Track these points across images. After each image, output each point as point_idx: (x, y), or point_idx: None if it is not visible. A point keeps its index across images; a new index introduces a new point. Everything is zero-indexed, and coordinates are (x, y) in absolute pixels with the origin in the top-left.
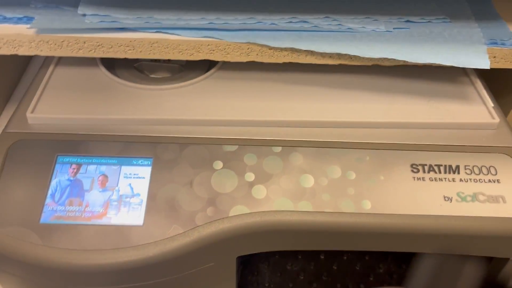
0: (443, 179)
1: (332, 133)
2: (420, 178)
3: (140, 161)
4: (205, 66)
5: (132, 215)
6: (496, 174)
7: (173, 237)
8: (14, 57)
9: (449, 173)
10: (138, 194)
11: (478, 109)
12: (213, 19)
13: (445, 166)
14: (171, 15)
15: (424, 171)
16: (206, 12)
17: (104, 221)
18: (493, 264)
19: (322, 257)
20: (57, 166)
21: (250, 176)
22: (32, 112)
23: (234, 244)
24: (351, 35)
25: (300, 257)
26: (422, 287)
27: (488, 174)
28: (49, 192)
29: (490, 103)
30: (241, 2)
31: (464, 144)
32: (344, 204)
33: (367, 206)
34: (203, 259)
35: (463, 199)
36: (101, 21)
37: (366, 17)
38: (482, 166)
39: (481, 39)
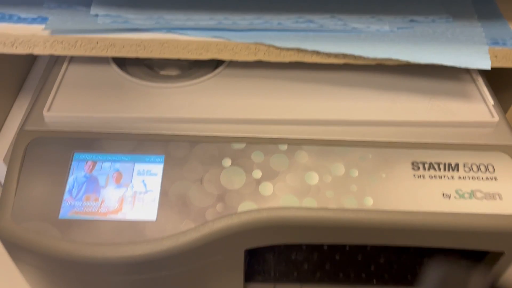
0: (443, 177)
1: (336, 131)
2: (420, 176)
3: (152, 159)
4: (213, 62)
5: (145, 210)
6: (493, 172)
7: (185, 231)
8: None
9: (449, 170)
10: (151, 190)
11: (478, 108)
12: (221, 19)
13: (445, 164)
14: (180, 15)
15: (424, 169)
16: (214, 12)
17: (119, 216)
18: (488, 258)
19: (325, 248)
20: (74, 163)
21: (257, 173)
22: (48, 110)
23: (242, 238)
24: (356, 35)
25: (304, 247)
26: None
27: (486, 172)
28: (67, 188)
29: (491, 101)
30: (248, 2)
31: (464, 142)
32: (347, 201)
33: (369, 202)
34: (213, 252)
35: (461, 196)
36: (113, 22)
37: (371, 17)
38: (481, 164)
39: (483, 39)
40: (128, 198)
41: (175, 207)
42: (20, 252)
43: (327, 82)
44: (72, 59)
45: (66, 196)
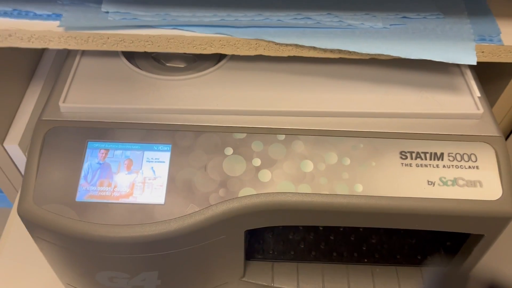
0: (428, 165)
1: (330, 122)
2: (407, 164)
3: (160, 147)
4: (217, 55)
5: (154, 194)
6: (476, 161)
7: (190, 214)
8: None
9: (434, 159)
10: (160, 177)
11: (465, 100)
12: (224, 15)
13: (431, 153)
14: (185, 12)
15: (411, 158)
16: (217, 9)
17: (130, 200)
18: (469, 240)
19: (320, 229)
20: (88, 151)
21: (257, 161)
22: (63, 101)
23: (242, 220)
24: (351, 31)
25: (301, 228)
26: None
27: (468, 161)
28: (82, 174)
29: (477, 94)
30: None
31: (450, 133)
32: (339, 187)
33: (359, 189)
34: (216, 232)
35: (445, 183)
36: (123, 18)
37: (365, 14)
38: (464, 153)
39: (471, 35)
40: (138, 183)
41: (181, 192)
42: (40, 231)
43: (323, 75)
44: (84, 52)
45: (82, 181)
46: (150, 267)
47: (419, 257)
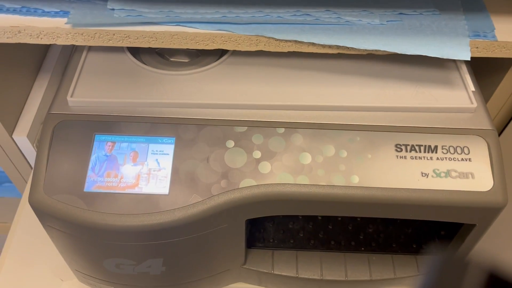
0: (422, 158)
1: (328, 116)
2: (402, 157)
3: (164, 140)
4: (219, 50)
5: (159, 185)
6: (468, 153)
7: (193, 204)
8: None
9: (428, 152)
10: (164, 168)
11: (459, 94)
12: (225, 12)
13: (425, 146)
14: (188, 9)
15: (406, 151)
16: (219, 6)
17: (136, 190)
18: (462, 230)
19: (319, 218)
20: (95, 144)
21: (257, 154)
22: (71, 96)
23: (243, 210)
24: (349, 27)
25: (300, 218)
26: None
27: (461, 153)
28: (90, 165)
29: (471, 88)
30: None
31: (444, 126)
32: (336, 179)
33: (355, 180)
34: (218, 221)
35: (438, 175)
36: (128, 15)
37: (362, 10)
38: (457, 146)
39: (465, 31)
40: (143, 174)
41: (185, 183)
42: (51, 220)
43: (322, 70)
44: (91, 48)
45: (89, 172)
46: (155, 254)
47: (414, 246)
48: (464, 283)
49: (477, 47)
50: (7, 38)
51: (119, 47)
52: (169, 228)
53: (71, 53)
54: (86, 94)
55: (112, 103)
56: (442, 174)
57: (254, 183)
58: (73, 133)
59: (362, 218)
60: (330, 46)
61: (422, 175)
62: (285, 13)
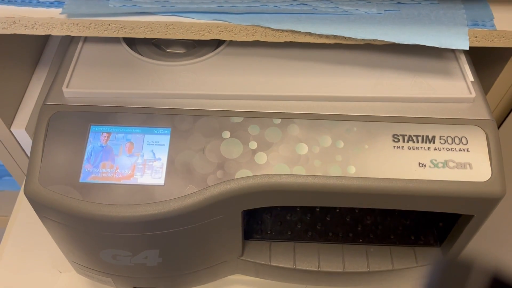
0: (420, 148)
1: (325, 106)
2: (399, 147)
3: (160, 131)
4: (215, 40)
5: (154, 176)
6: (466, 144)
7: (189, 195)
8: None
9: (425, 142)
10: (159, 159)
11: (458, 84)
12: (221, 2)
13: (423, 136)
14: None
15: (404, 141)
16: None
17: (131, 181)
18: (460, 221)
19: (317, 209)
20: (91, 134)
21: (253, 145)
22: (67, 87)
23: (239, 201)
24: (346, 17)
25: (298, 209)
26: None
27: (459, 143)
28: (86, 156)
29: (470, 78)
30: None
31: (442, 116)
32: (332, 169)
33: (352, 170)
34: (214, 212)
35: (435, 165)
36: (123, 6)
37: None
38: (455, 136)
39: (464, 21)
40: (139, 165)
41: (180, 174)
42: (46, 211)
43: (319, 60)
44: (87, 39)
45: (85, 163)
46: (151, 245)
47: (412, 237)
48: (467, 286)
49: (476, 37)
50: (2, 29)
51: (115, 38)
52: (164, 219)
53: (68, 45)
54: (82, 85)
55: (108, 94)
56: (440, 165)
57: (250, 173)
58: (68, 124)
59: (360, 209)
60: (327, 36)
61: (420, 166)
62: (282, 3)
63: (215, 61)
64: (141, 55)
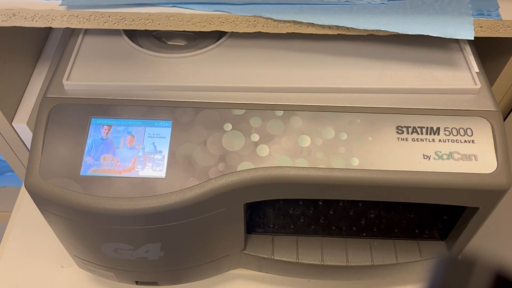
0: (424, 140)
1: (328, 98)
2: (403, 139)
3: (161, 123)
4: (217, 32)
5: (156, 169)
6: (472, 135)
7: (191, 187)
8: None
9: (430, 134)
10: (161, 151)
11: (463, 75)
12: None
13: (427, 128)
14: None
15: (408, 132)
16: None
17: (132, 174)
18: (465, 214)
19: (320, 203)
20: (92, 127)
21: (255, 137)
22: (67, 79)
23: (241, 194)
24: (349, 7)
25: (301, 203)
26: None
27: (464, 135)
28: (86, 149)
29: (475, 69)
30: None
31: (447, 108)
32: (335, 161)
33: (355, 163)
34: (216, 205)
35: (440, 157)
36: None
37: None
38: (460, 128)
39: (469, 10)
40: (140, 158)
41: (182, 166)
42: (47, 204)
43: (322, 51)
44: (87, 31)
45: (86, 156)
46: (152, 239)
47: (416, 231)
48: (470, 284)
49: (481, 27)
50: (2, 21)
51: (116, 30)
52: (166, 212)
53: (69, 38)
54: (82, 77)
55: (109, 86)
56: (445, 156)
57: (252, 166)
58: (69, 117)
59: (363, 203)
60: (329, 27)
61: (424, 158)
62: None
63: (216, 53)
64: (142, 47)
